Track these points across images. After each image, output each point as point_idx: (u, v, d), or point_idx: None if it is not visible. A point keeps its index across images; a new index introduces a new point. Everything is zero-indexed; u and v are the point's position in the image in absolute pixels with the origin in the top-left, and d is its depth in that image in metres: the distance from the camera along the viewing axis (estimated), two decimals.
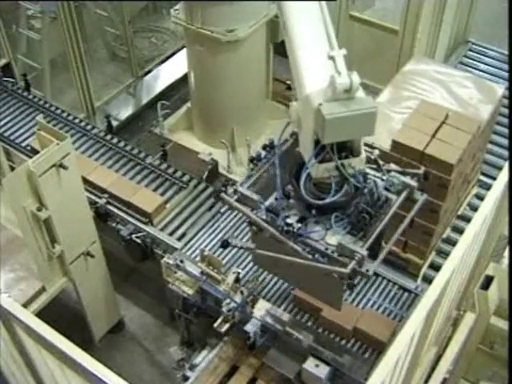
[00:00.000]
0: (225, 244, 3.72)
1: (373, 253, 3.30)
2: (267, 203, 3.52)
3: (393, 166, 3.65)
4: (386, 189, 3.49)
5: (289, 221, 3.34)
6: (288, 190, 3.47)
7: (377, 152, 3.53)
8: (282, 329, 4.60)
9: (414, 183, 3.51)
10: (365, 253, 3.18)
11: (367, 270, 3.23)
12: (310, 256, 3.34)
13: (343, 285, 3.40)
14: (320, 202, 3.23)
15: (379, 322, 4.60)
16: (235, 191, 3.65)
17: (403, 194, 3.49)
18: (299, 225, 3.33)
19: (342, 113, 2.93)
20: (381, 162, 3.54)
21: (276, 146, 3.66)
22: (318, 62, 3.14)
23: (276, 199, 3.50)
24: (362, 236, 3.35)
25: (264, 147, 3.86)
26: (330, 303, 3.85)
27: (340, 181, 3.22)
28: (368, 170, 3.40)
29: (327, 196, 3.21)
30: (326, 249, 3.30)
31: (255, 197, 3.58)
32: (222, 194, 3.66)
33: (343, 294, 3.68)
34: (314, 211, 3.31)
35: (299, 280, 3.87)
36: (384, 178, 3.49)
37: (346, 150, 3.18)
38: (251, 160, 4.05)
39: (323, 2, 3.34)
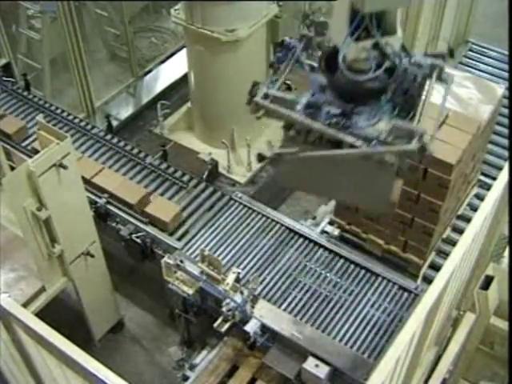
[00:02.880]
0: (260, 158, 3.48)
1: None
2: (305, 100, 3.23)
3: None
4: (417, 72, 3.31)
5: (334, 112, 3.12)
6: (323, 86, 3.25)
7: (400, 35, 3.34)
8: (281, 329, 4.60)
9: (441, 63, 3.32)
10: (423, 129, 3.00)
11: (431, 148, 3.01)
12: (363, 146, 3.08)
13: (391, 177, 3.20)
14: (363, 78, 3.02)
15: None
16: (266, 95, 3.36)
17: (434, 74, 3.30)
18: (344, 117, 3.12)
19: None
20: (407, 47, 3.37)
21: (290, 44, 3.45)
22: None
23: (312, 95, 3.25)
24: (411, 117, 3.18)
25: (275, 48, 3.61)
26: (379, 207, 3.58)
27: (378, 61, 3.06)
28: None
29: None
30: (379, 135, 3.07)
31: (290, 96, 3.29)
32: (255, 99, 3.40)
33: (391, 191, 3.34)
34: (354, 101, 3.13)
35: (338, 188, 3.53)
36: (412, 61, 3.30)
37: (382, 28, 3.05)
38: (271, 65, 3.67)
39: None
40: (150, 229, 5.50)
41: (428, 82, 3.27)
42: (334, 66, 3.10)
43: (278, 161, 3.41)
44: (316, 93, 3.24)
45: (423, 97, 3.23)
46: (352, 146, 3.09)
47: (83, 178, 5.62)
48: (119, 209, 5.62)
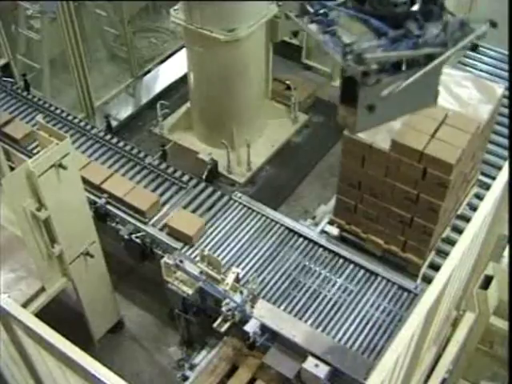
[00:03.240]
0: (371, 107, 3.37)
1: None
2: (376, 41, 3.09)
3: None
4: None
5: (413, 30, 3.05)
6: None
7: None
8: (281, 329, 4.60)
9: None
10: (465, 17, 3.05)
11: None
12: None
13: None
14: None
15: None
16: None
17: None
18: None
19: None
20: None
21: None
22: None
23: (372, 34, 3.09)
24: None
25: None
26: (427, 103, 3.53)
27: None
28: None
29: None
30: (446, 33, 3.07)
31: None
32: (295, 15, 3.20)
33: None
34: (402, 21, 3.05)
35: (402, 105, 3.45)
36: None
37: None
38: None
39: None
40: (149, 229, 5.50)
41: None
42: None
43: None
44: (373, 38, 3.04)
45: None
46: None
47: (92, 183, 5.66)
48: (118, 209, 5.63)
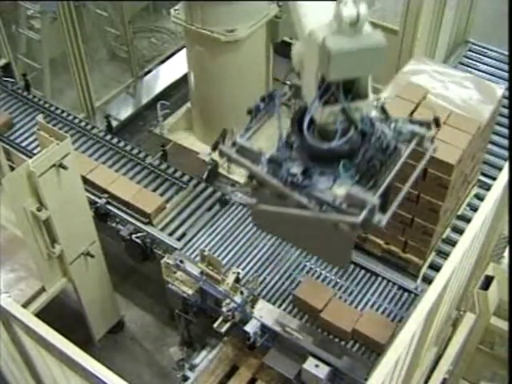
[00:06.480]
0: (223, 202, 3.52)
1: (381, 206, 3.04)
2: (269, 154, 3.24)
3: (400, 115, 3.39)
4: (394, 139, 3.23)
5: (293, 171, 3.09)
6: (290, 142, 3.23)
7: (383, 98, 3.33)
8: (281, 329, 4.60)
9: (423, 131, 3.25)
10: (376, 201, 2.92)
11: (379, 221, 2.96)
12: (316, 208, 3.07)
13: (351, 238, 3.21)
14: (326, 146, 2.98)
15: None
16: (234, 143, 3.36)
17: (412, 143, 3.24)
18: (303, 176, 3.08)
19: (348, 47, 2.72)
20: (387, 110, 3.27)
21: (276, 97, 3.42)
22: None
23: (278, 150, 3.24)
24: (371, 186, 3.11)
25: (262, 99, 3.57)
26: (336, 261, 3.64)
27: (346, 126, 2.98)
28: (375, 117, 3.17)
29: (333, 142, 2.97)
30: (334, 200, 3.02)
31: (255, 148, 3.28)
32: (220, 147, 3.41)
33: (351, 250, 3.45)
34: (318, 161, 3.08)
35: (302, 238, 3.60)
36: (392, 126, 3.24)
37: (353, 92, 2.94)
38: (249, 112, 3.67)
39: None
40: (149, 229, 5.50)
41: (404, 149, 3.21)
42: (303, 125, 3.04)
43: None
44: (283, 147, 3.22)
45: (393, 165, 3.15)
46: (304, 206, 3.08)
47: (99, 186, 5.66)
48: (119, 209, 5.63)
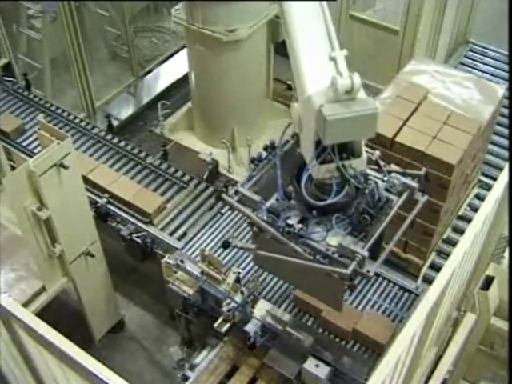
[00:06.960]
0: (225, 244, 3.73)
1: (373, 254, 3.30)
2: (268, 204, 3.51)
3: (394, 166, 3.65)
4: (387, 190, 3.48)
5: (290, 222, 3.34)
6: (289, 191, 3.47)
7: (378, 153, 3.53)
8: (282, 329, 4.60)
9: (414, 184, 3.50)
10: (366, 253, 3.17)
11: (368, 271, 3.22)
12: (310, 257, 3.33)
13: (344, 286, 3.39)
14: (321, 204, 3.22)
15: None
16: (236, 192, 3.64)
17: (404, 195, 3.48)
18: (300, 226, 3.32)
19: (344, 114, 2.93)
20: (381, 163, 3.53)
21: (277, 147, 3.65)
22: (320, 63, 3.14)
23: (277, 200, 3.50)
24: (362, 237, 3.33)
25: (265, 148, 3.87)
26: (330, 304, 3.84)
27: (341, 182, 3.21)
28: (369, 171, 3.39)
29: (328, 197, 3.21)
30: (327, 250, 3.29)
31: (256, 198, 3.56)
32: (223, 195, 3.68)
33: (344, 295, 3.67)
34: (315, 212, 3.31)
35: (300, 281, 3.87)
36: (385, 179, 3.49)
37: (347, 150, 3.17)
38: (252, 161, 4.05)
39: (324, 2, 3.34)
40: (150, 228, 5.50)
41: (395, 201, 3.44)
42: (301, 179, 3.29)
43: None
44: (281, 198, 3.47)
45: (384, 217, 3.38)
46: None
47: (100, 186, 5.66)
48: (120, 208, 5.63)
